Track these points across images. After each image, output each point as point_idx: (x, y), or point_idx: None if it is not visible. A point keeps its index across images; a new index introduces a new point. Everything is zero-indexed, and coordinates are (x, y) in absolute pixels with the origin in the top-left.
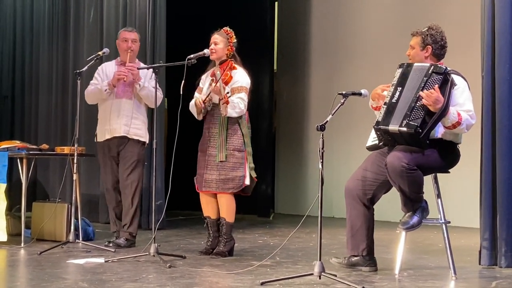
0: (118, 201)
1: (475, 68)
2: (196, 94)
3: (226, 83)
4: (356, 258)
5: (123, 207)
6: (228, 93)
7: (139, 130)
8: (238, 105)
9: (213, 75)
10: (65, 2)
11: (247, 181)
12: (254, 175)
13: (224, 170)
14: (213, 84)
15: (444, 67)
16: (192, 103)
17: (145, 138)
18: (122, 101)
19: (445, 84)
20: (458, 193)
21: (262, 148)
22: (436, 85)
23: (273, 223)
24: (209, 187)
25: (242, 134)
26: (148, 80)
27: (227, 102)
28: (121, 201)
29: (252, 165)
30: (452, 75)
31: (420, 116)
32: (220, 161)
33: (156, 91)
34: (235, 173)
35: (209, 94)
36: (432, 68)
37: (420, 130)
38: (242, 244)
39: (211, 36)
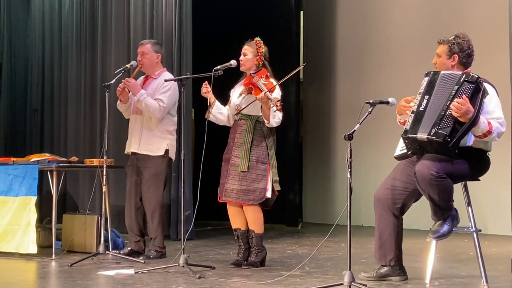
0: (134, 214)
1: (504, 75)
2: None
3: (271, 92)
4: (385, 268)
5: (148, 222)
6: (279, 100)
7: (149, 145)
8: (277, 114)
9: (250, 84)
10: (93, 16)
11: (268, 194)
12: (277, 188)
13: (246, 181)
14: (261, 94)
15: (476, 76)
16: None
17: (158, 152)
18: (135, 117)
19: (477, 93)
20: (489, 200)
21: (289, 157)
22: (464, 95)
23: (301, 232)
24: (229, 197)
25: (267, 146)
26: (155, 92)
27: (280, 109)
28: (137, 217)
29: (276, 178)
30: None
31: (449, 125)
32: (242, 171)
33: (160, 104)
34: (256, 185)
35: (248, 105)
36: (464, 76)
37: (449, 139)
38: (271, 254)
39: (241, 47)
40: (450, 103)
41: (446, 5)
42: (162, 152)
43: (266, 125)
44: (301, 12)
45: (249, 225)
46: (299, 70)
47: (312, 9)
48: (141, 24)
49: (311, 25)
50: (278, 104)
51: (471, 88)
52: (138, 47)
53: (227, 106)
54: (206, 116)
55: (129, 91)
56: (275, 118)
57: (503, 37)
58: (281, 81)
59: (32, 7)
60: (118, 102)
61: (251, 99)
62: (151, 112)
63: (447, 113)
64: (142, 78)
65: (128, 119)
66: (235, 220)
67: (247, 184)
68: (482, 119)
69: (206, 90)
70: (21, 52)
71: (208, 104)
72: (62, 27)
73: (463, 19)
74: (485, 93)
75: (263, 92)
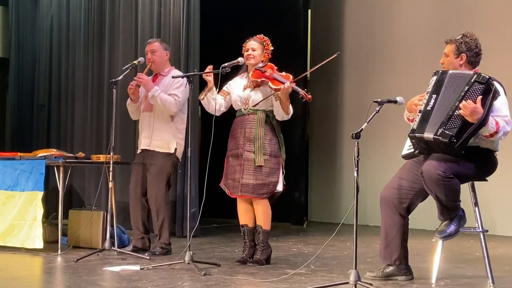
0: (137, 211)
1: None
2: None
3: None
4: (390, 268)
5: (153, 219)
6: (305, 89)
7: (160, 142)
8: (290, 107)
9: (261, 76)
10: (101, 12)
11: (279, 188)
12: (284, 182)
13: (261, 175)
14: (284, 85)
15: (488, 77)
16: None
17: (169, 149)
18: (145, 115)
19: (487, 94)
20: (496, 201)
21: (296, 155)
22: (478, 96)
23: (307, 231)
24: (245, 192)
25: (278, 139)
26: (169, 89)
27: (310, 99)
28: (140, 213)
29: (284, 171)
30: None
31: (456, 125)
32: (258, 166)
33: (176, 98)
34: (270, 179)
35: (265, 98)
36: (475, 76)
37: (455, 140)
38: (276, 252)
39: (245, 43)
40: (459, 103)
41: (455, 3)
42: (171, 150)
43: (283, 117)
44: (309, 11)
45: (258, 220)
46: (303, 64)
47: (320, 7)
48: (149, 20)
49: (319, 24)
50: (307, 94)
51: (481, 88)
52: (145, 45)
53: (220, 95)
54: (199, 98)
55: (139, 89)
56: (289, 110)
57: (511, 35)
58: (314, 68)
59: (40, 3)
60: (129, 101)
61: (263, 92)
62: (167, 107)
63: (456, 113)
64: (150, 77)
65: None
66: (244, 216)
67: (263, 178)
68: (491, 119)
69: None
70: (28, 48)
71: (207, 87)
72: (70, 23)
73: (472, 18)
74: (496, 94)
75: (287, 84)
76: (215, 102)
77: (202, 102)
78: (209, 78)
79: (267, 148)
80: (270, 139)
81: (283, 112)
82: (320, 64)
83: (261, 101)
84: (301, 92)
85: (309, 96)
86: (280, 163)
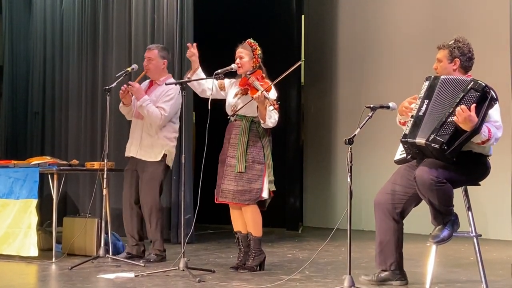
0: (131, 218)
1: (504, 78)
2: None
3: (267, 91)
4: (385, 273)
5: (146, 226)
6: (275, 99)
7: (148, 150)
8: (273, 114)
9: (245, 84)
10: (94, 19)
11: (265, 195)
12: (272, 188)
13: (242, 181)
14: (257, 93)
15: (484, 84)
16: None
17: (156, 158)
18: (136, 122)
19: (482, 102)
20: (489, 205)
21: (290, 161)
22: (472, 105)
23: (301, 236)
24: (225, 198)
25: (262, 146)
26: (159, 99)
27: (277, 108)
28: (133, 220)
29: (272, 178)
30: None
31: (449, 132)
32: (239, 172)
33: (162, 112)
34: (252, 185)
35: (244, 105)
36: (471, 84)
37: (445, 147)
38: (271, 258)
39: (235, 50)
40: (453, 110)
41: (448, 9)
42: (159, 158)
43: (262, 125)
44: (302, 16)
45: (247, 227)
46: (297, 69)
47: (313, 13)
48: (142, 27)
49: (312, 29)
50: (275, 103)
51: (477, 96)
52: (141, 50)
53: (216, 81)
54: (184, 78)
55: (132, 95)
56: (271, 118)
57: (504, 40)
58: (278, 79)
59: (33, 10)
60: (121, 104)
61: (247, 100)
62: (152, 119)
63: (449, 119)
64: (147, 82)
65: (130, 122)
66: (237, 223)
67: (243, 185)
68: (483, 127)
69: (192, 53)
70: (22, 55)
71: (191, 68)
72: (63, 30)
73: (464, 22)
74: (492, 101)
75: (259, 92)
76: (198, 84)
77: (189, 84)
78: (194, 58)
79: (250, 154)
80: (253, 146)
81: (261, 120)
82: (284, 74)
83: (241, 108)
84: (270, 101)
85: (276, 106)
86: (264, 170)
